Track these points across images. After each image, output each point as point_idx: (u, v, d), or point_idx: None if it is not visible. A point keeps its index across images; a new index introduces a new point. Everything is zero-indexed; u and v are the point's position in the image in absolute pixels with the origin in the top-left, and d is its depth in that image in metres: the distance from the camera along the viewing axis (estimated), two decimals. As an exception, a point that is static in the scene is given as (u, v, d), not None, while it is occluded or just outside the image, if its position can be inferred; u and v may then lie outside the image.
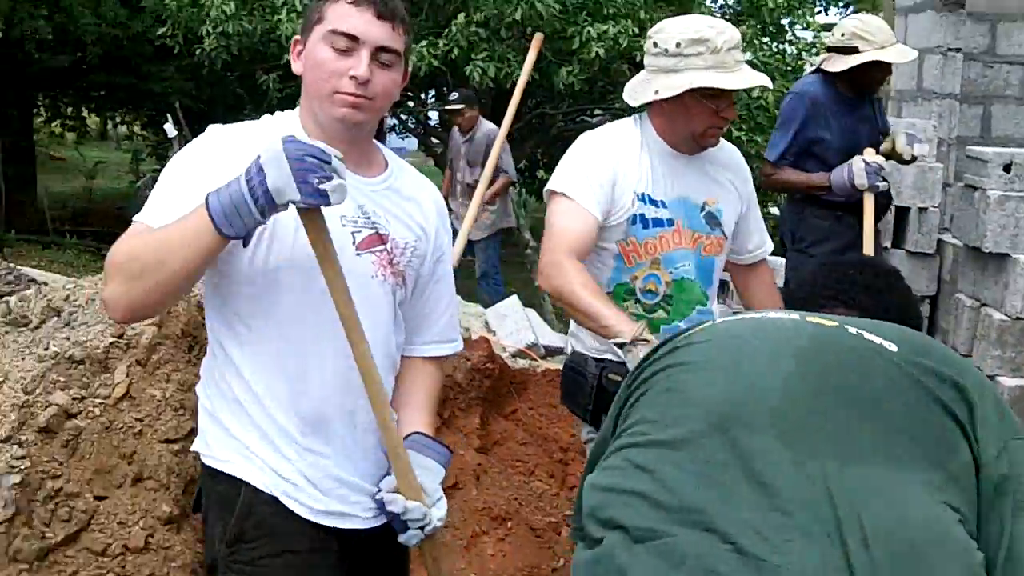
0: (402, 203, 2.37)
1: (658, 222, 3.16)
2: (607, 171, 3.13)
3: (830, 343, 1.73)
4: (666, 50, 3.04)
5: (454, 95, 9.51)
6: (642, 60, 3.16)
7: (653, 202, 3.16)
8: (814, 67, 5.41)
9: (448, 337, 2.57)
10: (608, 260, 3.20)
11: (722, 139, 3.32)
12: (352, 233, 2.22)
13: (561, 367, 6.44)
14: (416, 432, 2.41)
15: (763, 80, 3.10)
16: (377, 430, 2.31)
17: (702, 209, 3.22)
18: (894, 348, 1.70)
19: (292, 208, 2.01)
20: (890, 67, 5.23)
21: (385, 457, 2.35)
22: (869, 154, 4.75)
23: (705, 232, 3.22)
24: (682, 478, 1.59)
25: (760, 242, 3.45)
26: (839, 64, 5.07)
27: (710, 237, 3.23)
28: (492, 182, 8.73)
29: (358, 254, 2.22)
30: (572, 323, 3.35)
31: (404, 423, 2.44)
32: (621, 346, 2.85)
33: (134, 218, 2.15)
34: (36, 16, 14.63)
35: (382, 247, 2.28)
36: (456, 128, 9.64)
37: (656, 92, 3.05)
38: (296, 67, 2.29)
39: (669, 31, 3.08)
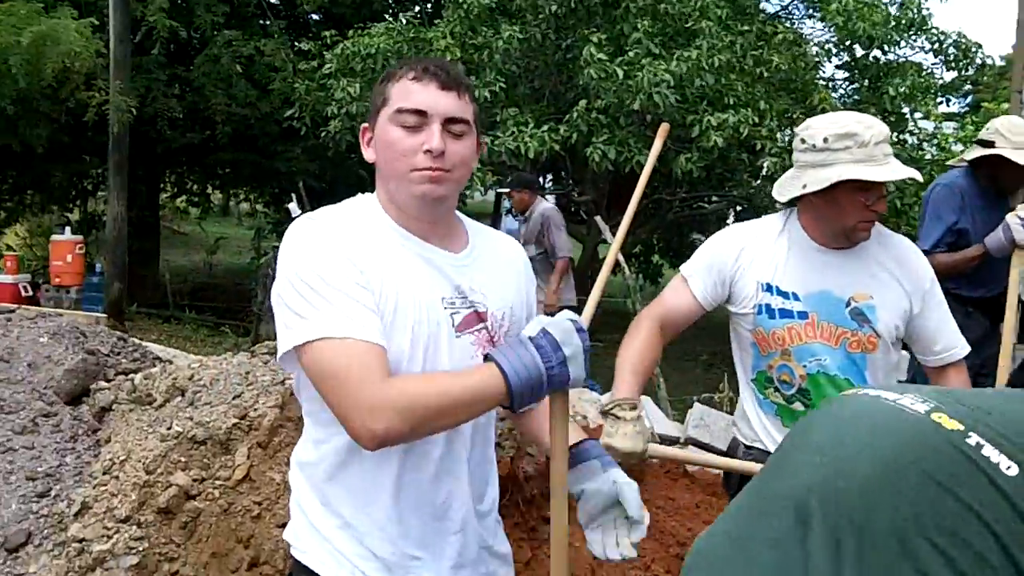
0: (495, 269, 2.32)
1: (786, 313, 3.12)
2: (728, 262, 3.21)
3: (931, 455, 1.56)
4: (814, 145, 3.02)
5: (509, 179, 9.82)
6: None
7: (782, 294, 3.13)
8: (958, 159, 5.38)
9: None
10: (748, 347, 3.23)
11: (894, 234, 3.26)
12: (451, 315, 2.17)
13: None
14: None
15: (912, 173, 3.01)
16: (465, 528, 2.27)
17: (847, 304, 3.12)
18: (1013, 471, 1.52)
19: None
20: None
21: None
22: (1021, 209, 4.64)
23: (851, 328, 3.11)
24: (760, 566, 1.51)
25: (948, 344, 3.25)
26: (972, 153, 5.09)
27: (856, 334, 3.11)
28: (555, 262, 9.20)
29: (457, 336, 2.16)
30: (736, 411, 3.41)
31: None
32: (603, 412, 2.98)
33: (330, 332, 2.02)
34: (169, 95, 15.15)
35: (481, 326, 2.23)
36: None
37: (804, 186, 3.02)
38: (368, 155, 2.26)
39: (816, 127, 3.05)
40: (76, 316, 7.99)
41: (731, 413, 8.45)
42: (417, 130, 2.13)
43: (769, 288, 3.14)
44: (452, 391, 2.01)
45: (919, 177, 3.09)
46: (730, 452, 3.30)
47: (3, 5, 12.44)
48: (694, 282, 3.23)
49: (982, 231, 4.95)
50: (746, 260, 3.17)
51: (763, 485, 1.67)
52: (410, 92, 2.15)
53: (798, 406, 3.14)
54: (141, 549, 3.33)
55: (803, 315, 3.11)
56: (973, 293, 5.11)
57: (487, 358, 2.09)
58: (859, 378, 3.12)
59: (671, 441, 6.97)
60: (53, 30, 11.97)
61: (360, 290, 2.06)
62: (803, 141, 3.07)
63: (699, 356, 14.82)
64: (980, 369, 5.33)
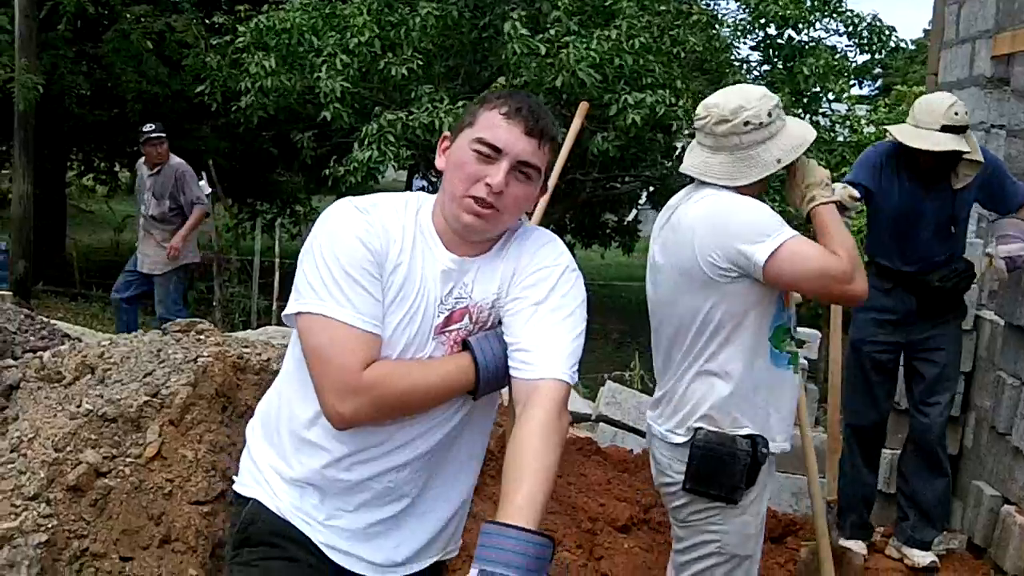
0: (497, 263, 2.31)
1: None
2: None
3: None
4: (761, 123, 3.09)
5: (150, 126, 9.42)
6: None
7: None
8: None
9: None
10: (771, 304, 3.14)
11: None
12: (438, 315, 2.24)
13: (590, 435, 6.33)
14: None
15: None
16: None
17: None
18: None
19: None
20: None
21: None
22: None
23: None
24: None
25: None
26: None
27: None
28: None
29: (433, 338, 2.24)
30: (704, 406, 3.19)
31: None
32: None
33: (329, 312, 2.14)
34: (77, 72, 14.80)
35: (458, 326, 2.26)
36: (143, 163, 9.58)
37: (779, 161, 3.12)
38: (439, 162, 2.32)
39: (754, 105, 3.11)
40: (-20, 295, 7.81)
41: (642, 391, 8.14)
42: (488, 162, 2.18)
43: None
44: (427, 379, 2.17)
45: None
46: (719, 444, 3.13)
47: None
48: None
49: (900, 198, 4.98)
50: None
51: None
52: (495, 126, 2.20)
53: (794, 345, 3.24)
54: (50, 527, 3.26)
55: None
56: (901, 267, 5.15)
57: (465, 344, 2.22)
58: None
59: (583, 419, 6.98)
60: (-47, 5, 11.64)
61: (371, 278, 2.16)
62: (747, 123, 3.09)
63: (610, 335, 14.93)
64: (913, 350, 5.31)
